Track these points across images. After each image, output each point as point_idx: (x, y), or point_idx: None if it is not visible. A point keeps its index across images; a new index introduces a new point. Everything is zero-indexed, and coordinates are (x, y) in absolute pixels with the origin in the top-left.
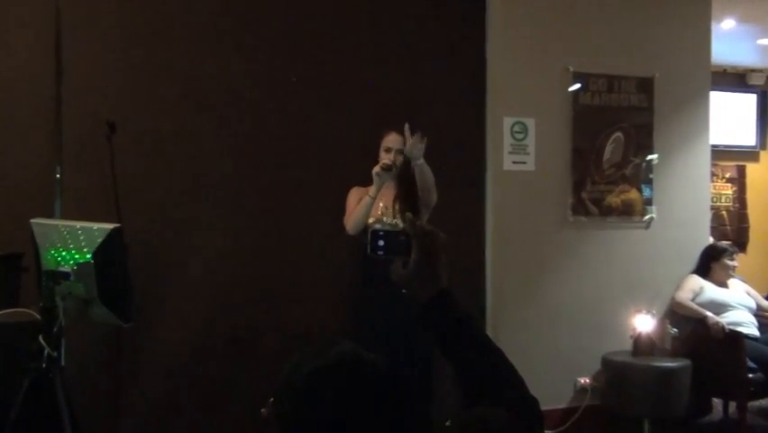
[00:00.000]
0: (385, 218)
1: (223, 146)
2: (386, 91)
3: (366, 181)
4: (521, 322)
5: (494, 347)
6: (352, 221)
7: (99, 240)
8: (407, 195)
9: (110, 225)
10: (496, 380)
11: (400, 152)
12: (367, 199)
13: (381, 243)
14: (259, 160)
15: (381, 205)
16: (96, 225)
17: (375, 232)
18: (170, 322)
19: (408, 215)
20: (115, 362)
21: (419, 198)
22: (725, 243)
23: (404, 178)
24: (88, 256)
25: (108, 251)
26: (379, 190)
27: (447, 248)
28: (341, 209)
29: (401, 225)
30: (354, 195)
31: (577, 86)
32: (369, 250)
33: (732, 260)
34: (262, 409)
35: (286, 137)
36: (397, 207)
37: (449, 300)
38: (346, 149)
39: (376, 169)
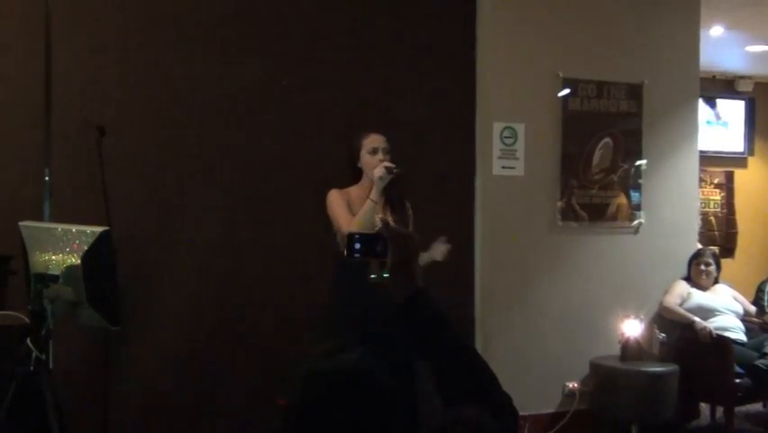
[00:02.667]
0: (376, 222)
1: (213, 149)
2: (372, 95)
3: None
4: (510, 326)
5: (468, 346)
6: (356, 227)
7: (88, 243)
8: (398, 205)
9: (99, 228)
10: (471, 378)
11: (387, 151)
12: (370, 203)
13: (358, 245)
14: (249, 162)
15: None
16: (84, 228)
17: (351, 235)
18: (160, 325)
19: (382, 217)
20: (104, 365)
21: (407, 210)
22: (704, 248)
23: (392, 186)
24: (77, 259)
25: (97, 254)
26: (380, 193)
27: (421, 249)
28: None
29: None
30: (338, 198)
31: (566, 91)
32: (345, 252)
33: (708, 265)
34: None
35: (276, 139)
36: (390, 216)
37: (424, 299)
38: (334, 150)
39: (379, 172)
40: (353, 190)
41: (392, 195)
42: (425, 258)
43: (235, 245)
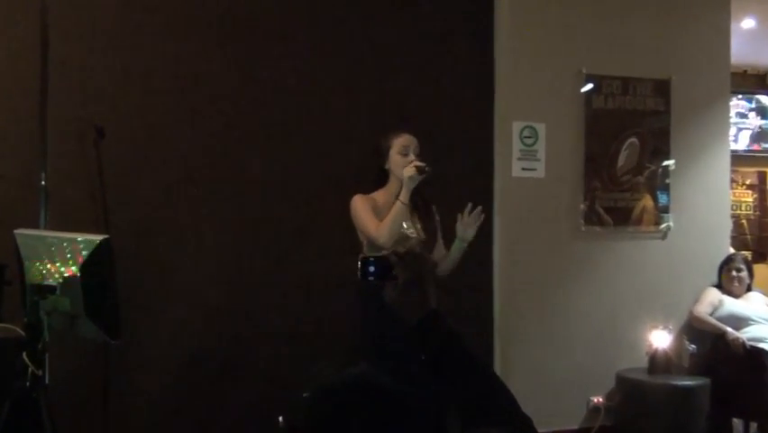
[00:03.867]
0: (404, 230)
1: (219, 152)
2: (388, 94)
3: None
4: (531, 338)
5: (485, 366)
6: (387, 231)
7: (86, 252)
8: (425, 212)
9: (98, 237)
10: (488, 399)
11: (418, 153)
12: (400, 206)
13: (372, 268)
14: (257, 166)
15: None
16: (82, 237)
17: (365, 259)
18: (161, 338)
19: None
20: (103, 380)
21: (435, 216)
22: (735, 253)
23: (419, 190)
24: (75, 269)
25: (96, 263)
26: (410, 195)
27: (435, 270)
28: (341, 216)
29: (422, 236)
30: (364, 203)
31: (589, 86)
32: (360, 275)
33: (739, 271)
34: (280, 418)
35: (284, 142)
36: (418, 222)
37: (439, 320)
38: (346, 153)
39: (409, 171)
40: (379, 195)
41: (419, 201)
42: (455, 249)
43: (242, 252)
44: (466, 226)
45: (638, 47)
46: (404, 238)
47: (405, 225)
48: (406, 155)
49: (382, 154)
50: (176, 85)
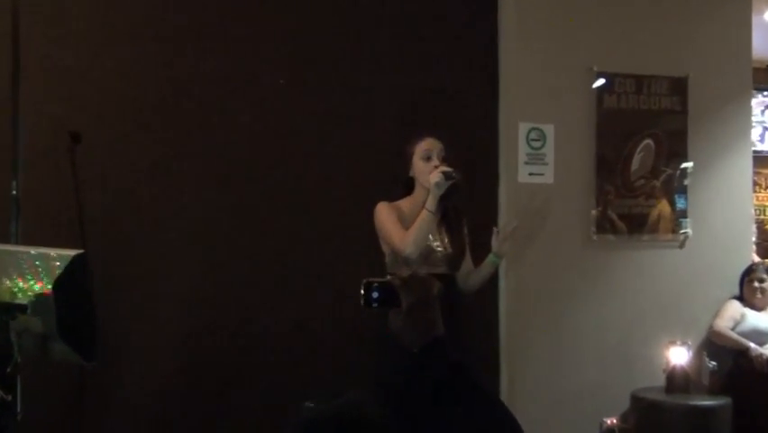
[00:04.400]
0: (430, 243)
1: (201, 159)
2: (385, 94)
3: (378, 194)
4: (539, 355)
5: (490, 395)
6: (413, 241)
7: (60, 268)
8: (455, 219)
9: (72, 252)
10: (493, 429)
11: (443, 157)
12: (427, 214)
13: (375, 294)
14: (242, 174)
15: None
16: (56, 252)
17: (369, 284)
18: (139, 360)
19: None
20: (78, 406)
21: (464, 229)
22: (758, 262)
23: (448, 199)
24: (48, 287)
25: (70, 280)
26: (437, 203)
27: (442, 295)
28: (333, 232)
29: (449, 250)
30: (389, 212)
31: (601, 81)
32: (363, 302)
33: (761, 281)
34: None
35: (272, 148)
36: (445, 235)
37: (443, 349)
38: (340, 159)
39: (435, 177)
40: (404, 204)
41: (449, 211)
42: (488, 264)
43: (228, 267)
44: (501, 241)
45: (652, 42)
46: (429, 252)
47: (431, 237)
48: (429, 160)
49: (406, 162)
50: (159, 87)
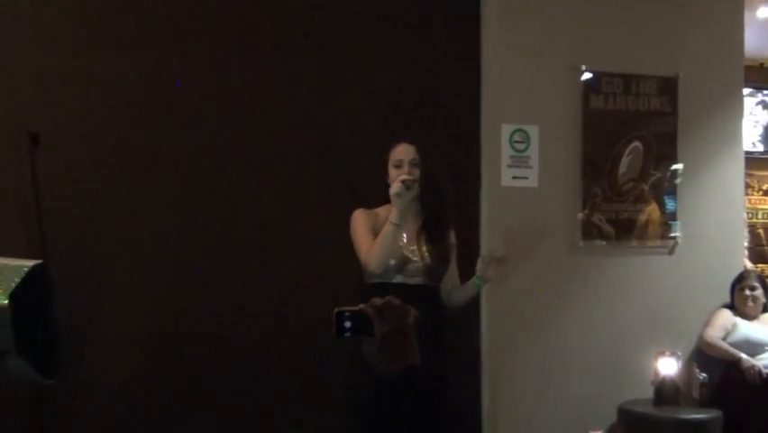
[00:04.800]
0: (406, 252)
1: (165, 161)
2: (366, 94)
3: (359, 199)
4: (523, 367)
5: (467, 425)
6: (376, 257)
7: (17, 279)
8: (436, 228)
9: (30, 262)
10: None
11: (416, 164)
12: (390, 227)
13: (348, 324)
14: (208, 175)
15: (404, 235)
16: (13, 262)
17: (340, 313)
18: (103, 377)
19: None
20: (39, 426)
21: (449, 239)
22: (748, 269)
23: (429, 203)
24: (3, 299)
25: (28, 292)
26: (401, 215)
27: (418, 323)
28: (308, 236)
29: (428, 260)
30: (361, 220)
31: (588, 75)
32: (335, 332)
33: (753, 289)
34: None
35: (240, 149)
36: (424, 244)
37: (417, 380)
38: (320, 162)
39: (395, 188)
40: (383, 211)
41: (431, 220)
42: (472, 286)
43: (193, 282)
44: (487, 266)
45: (641, 40)
46: (404, 261)
47: (410, 247)
48: (399, 168)
49: (386, 166)
50: (121, 87)
